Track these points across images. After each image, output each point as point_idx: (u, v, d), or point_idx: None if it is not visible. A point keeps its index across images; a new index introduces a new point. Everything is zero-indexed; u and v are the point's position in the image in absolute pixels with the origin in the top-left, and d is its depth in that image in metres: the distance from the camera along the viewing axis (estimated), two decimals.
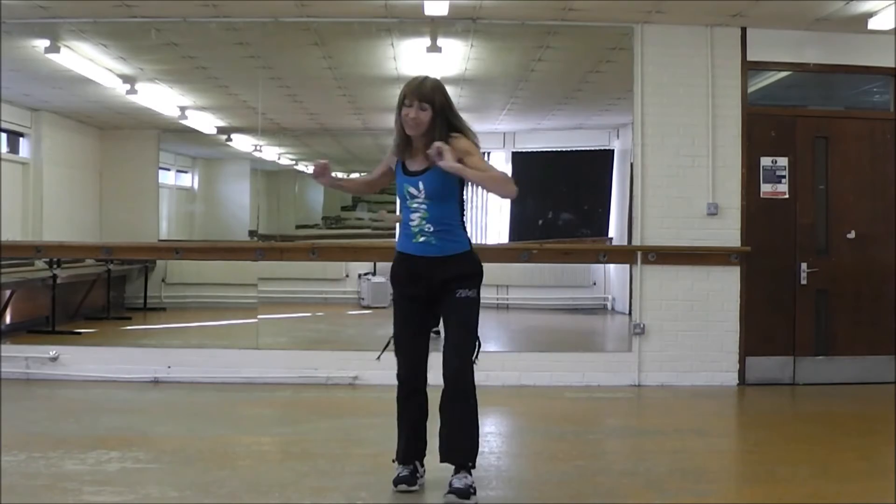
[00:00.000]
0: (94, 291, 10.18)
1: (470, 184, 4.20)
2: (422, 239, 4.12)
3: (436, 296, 4.15)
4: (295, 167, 12.18)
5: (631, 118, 7.57)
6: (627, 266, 7.79)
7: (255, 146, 10.63)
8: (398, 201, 4.26)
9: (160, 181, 11.24)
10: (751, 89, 7.60)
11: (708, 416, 6.58)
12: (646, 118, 7.47)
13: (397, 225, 4.30)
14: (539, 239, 10.45)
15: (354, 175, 12.55)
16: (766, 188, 7.55)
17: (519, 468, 5.03)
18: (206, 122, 10.73)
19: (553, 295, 11.14)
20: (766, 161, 7.55)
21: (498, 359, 7.30)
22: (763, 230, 7.50)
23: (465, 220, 4.22)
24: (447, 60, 8.07)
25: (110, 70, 8.68)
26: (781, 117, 7.66)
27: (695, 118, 7.45)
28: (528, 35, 7.72)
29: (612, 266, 10.27)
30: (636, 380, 7.42)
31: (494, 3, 6.98)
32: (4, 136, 9.39)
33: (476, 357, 4.12)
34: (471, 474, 4.06)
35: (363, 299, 11.31)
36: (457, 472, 4.06)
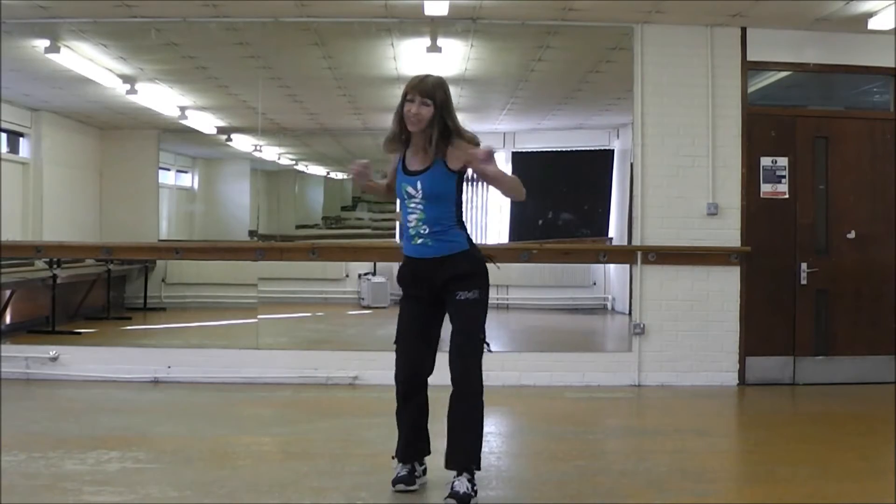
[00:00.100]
0: (94, 291, 10.18)
1: (472, 184, 4.21)
2: (419, 241, 4.12)
3: (441, 297, 4.14)
4: (295, 167, 12.18)
5: (631, 118, 7.57)
6: (627, 266, 7.79)
7: (255, 146, 10.63)
8: (398, 201, 4.26)
9: (160, 181, 11.23)
10: (751, 89, 7.60)
11: (708, 416, 6.58)
12: (646, 118, 7.47)
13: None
14: (539, 239, 10.45)
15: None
16: (766, 188, 7.55)
17: (519, 468, 5.03)
18: (206, 122, 10.73)
19: (553, 295, 11.14)
20: (766, 161, 7.55)
21: (498, 359, 7.28)
22: (763, 230, 7.50)
23: (463, 219, 4.21)
24: (447, 60, 8.07)
25: (110, 70, 8.68)
26: (781, 117, 7.66)
27: (695, 118, 7.45)
28: (528, 35, 7.72)
29: (612, 266, 10.27)
30: (636, 380, 7.42)
31: (494, 3, 6.98)
32: (4, 136, 9.39)
33: (486, 349, 4.11)
34: (473, 477, 4.05)
35: (363, 299, 11.31)
36: (458, 474, 4.05)
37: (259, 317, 7.98)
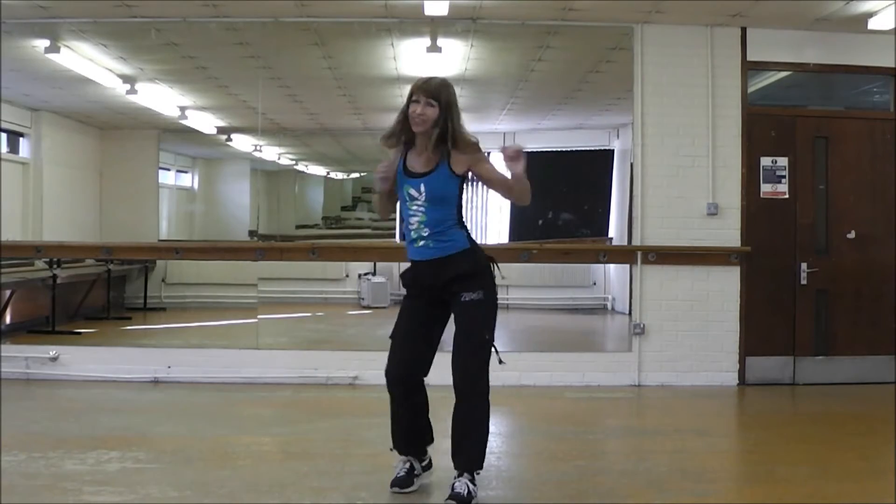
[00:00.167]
0: (94, 291, 10.18)
1: (472, 185, 4.22)
2: (421, 243, 4.12)
3: (445, 299, 4.13)
4: (295, 167, 12.18)
5: (631, 118, 7.57)
6: (627, 266, 7.79)
7: (255, 146, 10.63)
8: (399, 203, 4.25)
9: (160, 181, 11.23)
10: (751, 89, 7.60)
11: (708, 416, 6.58)
12: (646, 118, 7.47)
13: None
14: (539, 239, 10.45)
15: (354, 175, 12.61)
16: (766, 188, 7.55)
17: (519, 468, 5.03)
18: (206, 122, 10.73)
19: (553, 295, 11.14)
20: (766, 161, 7.55)
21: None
22: (763, 230, 7.50)
23: (464, 220, 4.20)
24: (447, 60, 8.07)
25: (110, 70, 8.68)
26: (781, 117, 7.66)
27: (695, 118, 7.45)
28: (528, 35, 7.72)
29: (612, 266, 10.27)
30: (636, 380, 7.42)
31: (494, 3, 6.98)
32: (4, 136, 9.39)
33: (498, 357, 4.10)
34: (474, 479, 4.05)
35: (363, 299, 11.31)
36: (459, 474, 4.05)
37: (259, 317, 7.98)
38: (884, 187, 7.59)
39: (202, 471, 4.65)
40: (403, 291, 4.33)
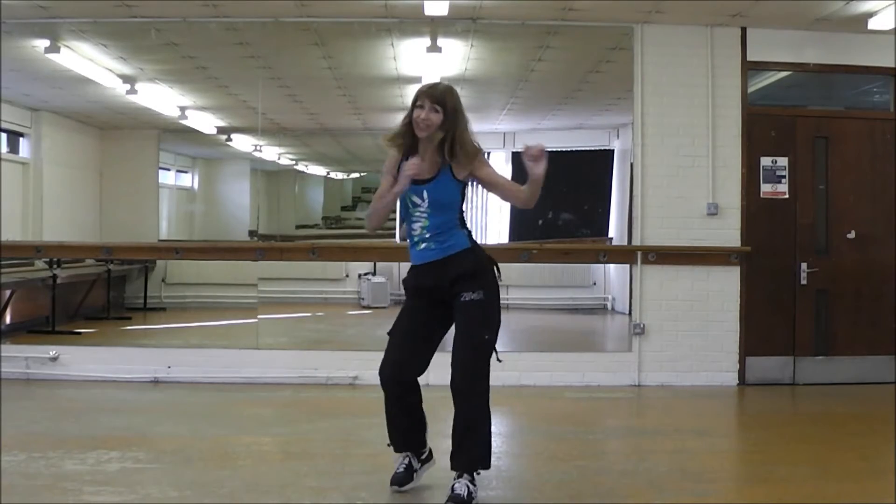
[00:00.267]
0: (94, 291, 10.18)
1: (473, 186, 4.22)
2: (423, 246, 4.12)
3: (446, 301, 4.12)
4: (295, 167, 12.18)
5: (631, 118, 7.57)
6: (627, 266, 7.79)
7: (255, 146, 10.62)
8: (399, 208, 4.24)
9: (160, 181, 11.23)
10: (751, 89, 7.60)
11: (708, 416, 6.58)
12: (646, 118, 7.47)
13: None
14: (539, 239, 10.45)
15: (354, 175, 12.61)
16: (766, 188, 7.55)
17: (519, 468, 5.03)
18: (206, 122, 10.73)
19: (553, 295, 11.14)
20: (766, 161, 7.55)
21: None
22: (763, 230, 7.50)
23: (465, 221, 4.21)
24: (447, 60, 8.07)
25: (110, 70, 8.68)
26: (781, 117, 7.66)
27: (695, 118, 7.46)
28: (528, 35, 7.72)
29: (612, 266, 10.27)
30: (636, 380, 7.42)
31: (494, 3, 6.98)
32: (4, 136, 9.39)
33: (496, 355, 4.10)
34: (474, 480, 4.05)
35: (363, 299, 11.30)
36: (459, 475, 4.05)
37: (259, 317, 7.98)
38: (884, 187, 7.59)
39: (202, 471, 4.65)
40: (404, 291, 4.32)
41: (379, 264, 11.16)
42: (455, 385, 4.04)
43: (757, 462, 5.18)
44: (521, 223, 10.98)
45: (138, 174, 10.84)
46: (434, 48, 7.68)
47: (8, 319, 8.51)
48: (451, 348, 4.12)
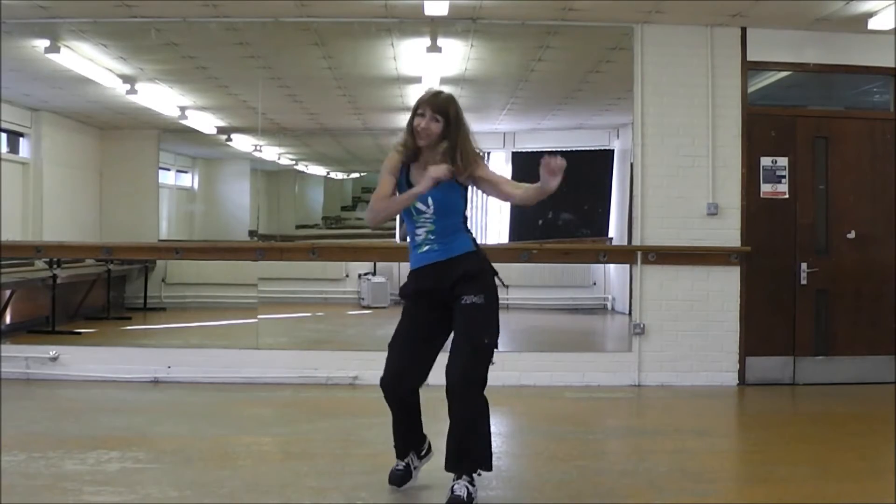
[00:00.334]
0: (94, 291, 10.18)
1: (473, 189, 4.22)
2: (426, 248, 4.13)
3: (446, 304, 4.11)
4: (295, 167, 12.18)
5: (631, 118, 7.57)
6: (627, 266, 7.79)
7: (255, 146, 10.62)
8: (403, 217, 4.24)
9: (160, 181, 11.23)
10: (751, 89, 7.61)
11: (708, 416, 6.58)
12: (646, 118, 7.48)
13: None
14: (539, 239, 10.45)
15: (354, 175, 12.60)
16: (766, 188, 7.55)
17: (519, 468, 5.03)
18: (206, 122, 10.73)
19: (553, 295, 11.14)
20: (766, 161, 7.55)
21: (498, 359, 7.23)
22: (763, 230, 7.50)
23: (468, 226, 4.24)
24: (447, 60, 8.07)
25: (110, 70, 8.68)
26: (781, 117, 7.66)
27: (695, 118, 7.46)
28: (528, 35, 7.72)
29: (612, 266, 10.27)
30: (636, 380, 7.42)
31: (494, 3, 6.98)
32: (4, 136, 9.39)
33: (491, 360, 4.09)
34: (473, 481, 4.04)
35: (363, 299, 11.30)
36: (458, 477, 4.04)
37: (259, 317, 7.98)
38: (884, 187, 7.59)
39: (202, 471, 4.65)
40: (402, 300, 4.30)
41: (379, 264, 11.16)
42: (453, 388, 4.00)
43: (757, 462, 5.18)
44: (521, 223, 10.98)
45: (138, 174, 10.83)
46: (434, 48, 7.68)
47: (8, 319, 8.51)
48: (448, 349, 4.12)
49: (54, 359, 7.27)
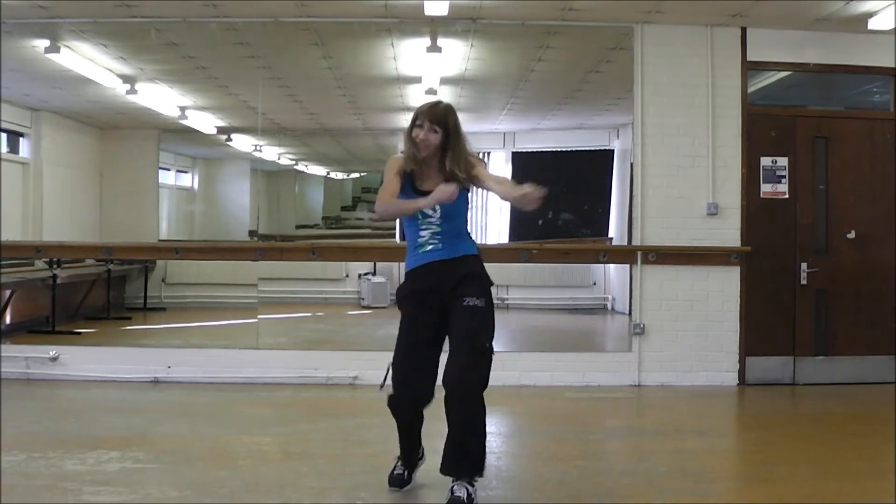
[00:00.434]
0: (94, 291, 10.18)
1: (473, 190, 4.24)
2: (429, 247, 4.14)
3: (445, 305, 4.11)
4: (295, 167, 12.18)
5: (631, 118, 7.57)
6: (627, 266, 7.79)
7: (255, 146, 10.63)
8: (403, 222, 4.24)
9: (160, 181, 11.23)
10: (751, 89, 7.60)
11: (708, 416, 6.58)
12: (646, 118, 7.47)
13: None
14: (539, 239, 10.45)
15: (354, 175, 12.61)
16: (766, 188, 7.55)
17: (519, 468, 5.03)
18: (206, 122, 10.73)
19: (553, 295, 11.14)
20: (766, 161, 7.55)
21: (498, 359, 7.21)
22: (763, 230, 7.50)
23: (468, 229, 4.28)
24: (447, 60, 8.07)
25: (110, 70, 8.68)
26: (781, 117, 7.66)
27: (695, 118, 7.45)
28: (528, 35, 7.72)
29: (612, 266, 10.27)
30: (636, 380, 7.42)
31: (494, 3, 6.98)
32: (4, 136, 9.39)
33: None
34: (473, 483, 4.04)
35: (363, 299, 11.30)
36: (458, 478, 4.03)
37: (259, 317, 7.98)
38: (884, 187, 7.59)
39: (202, 471, 4.65)
40: (398, 303, 4.28)
41: (379, 264, 11.16)
42: (452, 389, 3.97)
43: (757, 462, 5.18)
44: (521, 223, 10.98)
45: (138, 174, 10.84)
46: (434, 48, 7.68)
47: (8, 319, 8.51)
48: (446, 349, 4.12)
49: (54, 359, 7.27)
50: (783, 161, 7.56)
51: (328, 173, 12.52)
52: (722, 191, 7.47)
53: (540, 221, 10.94)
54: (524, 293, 10.97)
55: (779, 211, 7.56)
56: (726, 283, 7.46)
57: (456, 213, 4.15)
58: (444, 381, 4.01)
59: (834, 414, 6.56)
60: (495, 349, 4.13)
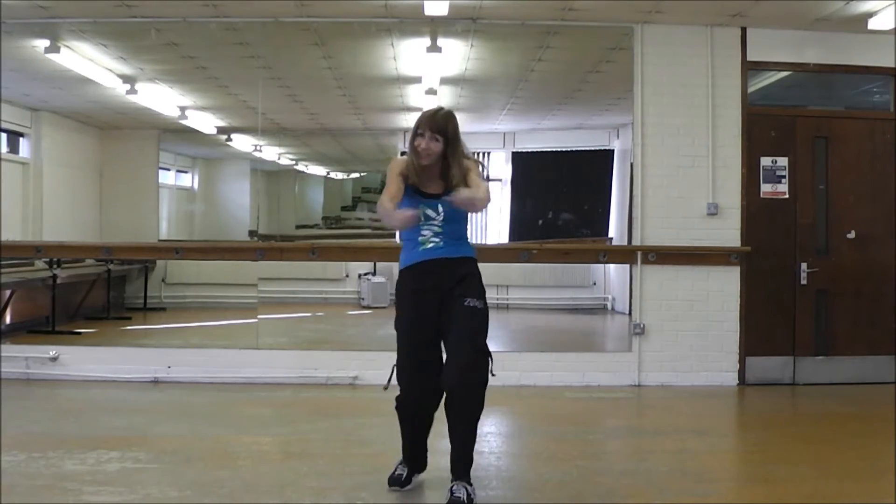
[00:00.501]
0: (94, 291, 10.18)
1: None
2: (430, 245, 4.14)
3: (443, 304, 4.11)
4: (295, 167, 12.18)
5: (631, 118, 7.57)
6: (627, 266, 7.79)
7: (255, 146, 10.63)
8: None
9: (160, 181, 11.24)
10: (751, 89, 7.60)
11: (708, 416, 6.58)
12: (646, 118, 7.47)
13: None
14: (539, 239, 10.46)
15: (354, 175, 12.61)
16: (766, 188, 7.55)
17: (519, 468, 5.03)
18: (206, 122, 10.73)
19: (553, 295, 11.14)
20: (766, 161, 7.55)
21: (498, 359, 7.22)
22: (763, 230, 7.50)
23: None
24: (447, 60, 8.07)
25: (110, 70, 8.68)
26: (781, 117, 7.66)
27: (695, 118, 7.45)
28: (528, 35, 7.72)
29: (612, 266, 10.28)
30: (636, 380, 7.42)
31: (494, 3, 6.98)
32: (4, 136, 9.39)
33: (491, 370, 4.08)
34: (471, 481, 4.04)
35: (363, 299, 11.31)
36: (457, 478, 4.03)
37: (259, 317, 7.98)
38: (884, 187, 7.59)
39: (202, 471, 4.65)
40: (396, 299, 4.28)
41: (379, 264, 11.17)
42: (453, 388, 3.99)
43: (757, 462, 5.18)
44: (521, 223, 11.00)
45: (138, 174, 10.84)
46: (434, 48, 7.68)
47: (8, 319, 8.51)
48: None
49: (54, 359, 7.27)
50: (783, 161, 7.56)
51: (328, 173, 12.53)
52: (722, 191, 7.47)
53: (540, 221, 10.95)
54: (524, 293, 10.98)
55: (779, 211, 7.56)
56: (726, 283, 7.46)
57: (459, 216, 4.18)
58: (444, 381, 4.02)
59: (834, 414, 6.56)
60: (494, 349, 4.14)
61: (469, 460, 4.07)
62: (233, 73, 9.00)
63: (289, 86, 9.11)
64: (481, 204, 4.08)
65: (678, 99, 7.45)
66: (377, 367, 6.95)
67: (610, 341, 9.84)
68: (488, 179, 10.85)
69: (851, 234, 7.59)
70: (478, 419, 4.06)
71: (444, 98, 8.82)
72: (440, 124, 4.10)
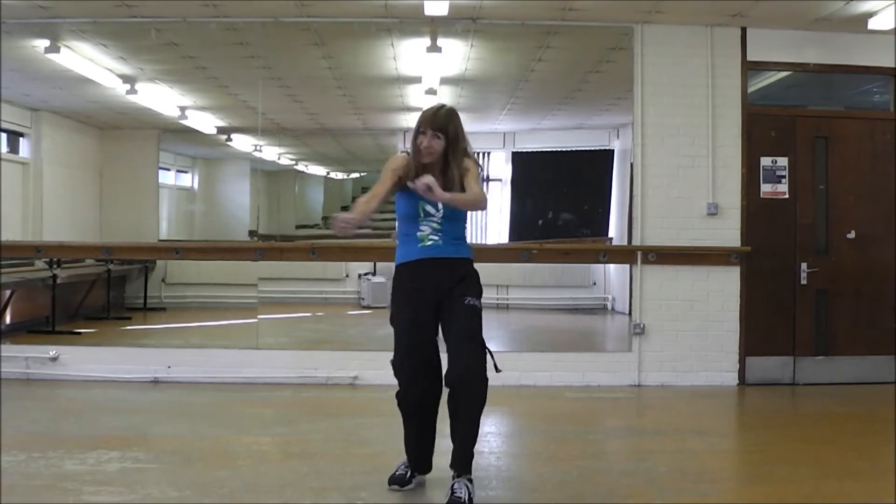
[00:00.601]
0: (94, 291, 10.19)
1: None
2: (429, 243, 4.15)
3: (441, 303, 4.12)
4: (295, 167, 12.18)
5: (631, 118, 7.57)
6: (627, 266, 7.79)
7: (255, 146, 10.64)
8: (400, 218, 4.26)
9: (160, 181, 11.24)
10: (751, 89, 7.60)
11: (708, 416, 6.58)
12: (646, 118, 7.47)
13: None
14: (539, 239, 10.45)
15: (354, 175, 12.61)
16: (766, 188, 7.55)
17: (519, 468, 5.03)
18: (206, 122, 10.73)
19: (553, 295, 11.14)
20: (766, 161, 7.55)
21: (498, 359, 7.26)
22: (763, 230, 7.50)
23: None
24: (447, 60, 8.07)
25: (110, 70, 8.68)
26: (781, 117, 7.66)
27: (695, 118, 7.45)
28: (528, 35, 7.72)
29: (612, 266, 10.28)
30: (636, 380, 7.42)
31: (494, 3, 6.98)
32: (4, 136, 9.40)
33: (496, 366, 4.11)
34: (471, 479, 4.05)
35: (363, 299, 11.31)
36: (458, 475, 4.04)
37: (259, 317, 7.98)
38: (884, 187, 7.59)
39: (202, 471, 4.65)
40: (392, 296, 4.27)
41: (379, 264, 11.16)
42: (457, 386, 4.01)
43: (757, 462, 5.18)
44: (521, 223, 10.99)
45: (138, 174, 10.85)
46: (434, 48, 7.68)
47: (8, 319, 8.51)
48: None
49: (54, 359, 7.27)
50: (783, 161, 7.56)
51: (328, 173, 12.53)
52: (722, 191, 7.47)
53: (540, 221, 10.95)
54: (524, 293, 10.98)
55: (779, 211, 7.56)
56: (726, 283, 7.46)
57: (458, 215, 4.19)
58: (446, 379, 4.03)
59: (834, 414, 6.56)
60: (494, 349, 4.16)
61: (471, 455, 4.08)
62: (233, 73, 9.00)
63: (289, 86, 9.11)
64: (465, 206, 4.09)
65: (678, 99, 7.45)
66: (377, 367, 6.97)
67: (610, 341, 9.85)
68: (488, 180, 10.89)
69: (851, 234, 7.59)
70: (480, 414, 4.07)
71: (444, 98, 8.81)
72: (441, 123, 4.11)
